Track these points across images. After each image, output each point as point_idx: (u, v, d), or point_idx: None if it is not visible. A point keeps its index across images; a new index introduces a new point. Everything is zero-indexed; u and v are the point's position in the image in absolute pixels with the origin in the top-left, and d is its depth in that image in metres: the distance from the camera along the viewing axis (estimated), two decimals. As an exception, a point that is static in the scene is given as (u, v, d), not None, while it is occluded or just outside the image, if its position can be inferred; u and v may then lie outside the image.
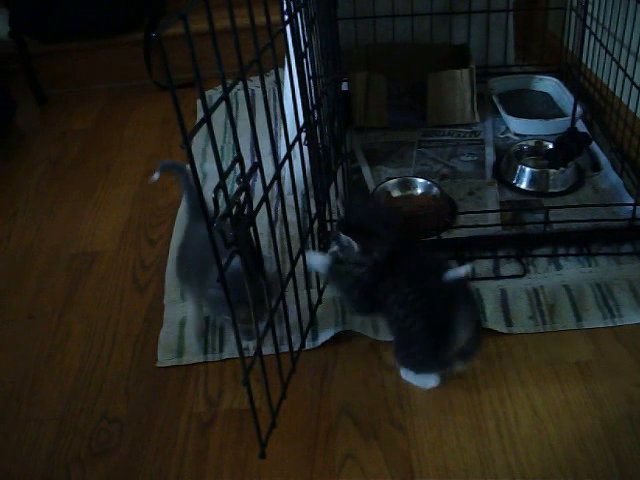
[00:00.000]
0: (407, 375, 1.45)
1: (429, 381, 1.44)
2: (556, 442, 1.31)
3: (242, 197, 1.05)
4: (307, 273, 1.49)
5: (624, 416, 1.35)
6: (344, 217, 1.43)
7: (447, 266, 1.35)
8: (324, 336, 1.55)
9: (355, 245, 1.32)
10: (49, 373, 1.57)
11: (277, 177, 1.23)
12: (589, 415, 1.36)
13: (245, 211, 1.06)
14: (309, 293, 1.51)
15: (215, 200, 0.99)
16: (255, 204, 1.12)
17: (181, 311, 1.67)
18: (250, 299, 1.14)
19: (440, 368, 1.41)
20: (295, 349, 1.42)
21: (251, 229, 1.13)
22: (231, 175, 0.98)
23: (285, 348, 1.40)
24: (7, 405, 1.51)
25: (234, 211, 1.01)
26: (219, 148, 2.22)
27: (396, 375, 1.47)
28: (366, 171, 2.01)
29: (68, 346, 1.64)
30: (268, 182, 1.18)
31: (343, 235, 1.33)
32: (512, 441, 1.32)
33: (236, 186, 1.06)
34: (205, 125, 0.93)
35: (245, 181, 1.05)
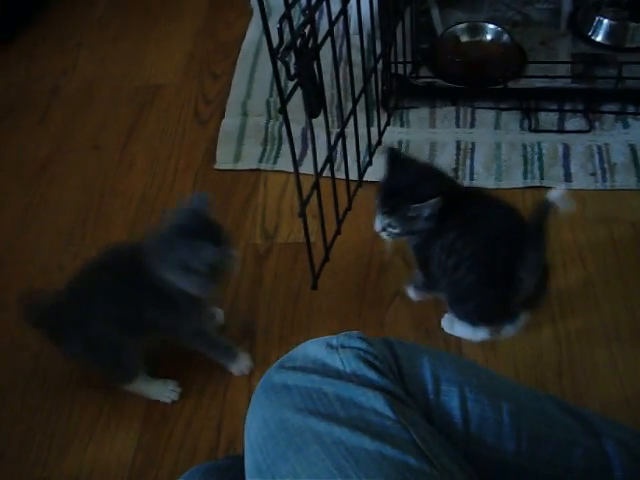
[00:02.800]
0: (452, 328, 1.31)
1: (480, 334, 1.28)
2: (602, 298, 1.34)
3: (307, 30, 1.04)
4: (368, 111, 1.47)
5: (673, 278, 1.36)
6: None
7: (511, 210, 1.17)
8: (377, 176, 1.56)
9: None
10: (113, 201, 1.64)
11: (344, 12, 1.20)
12: (638, 275, 1.36)
13: (309, 45, 1.05)
14: (369, 132, 1.51)
15: (280, 30, 0.98)
16: (320, 40, 1.10)
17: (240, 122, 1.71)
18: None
19: (502, 321, 1.26)
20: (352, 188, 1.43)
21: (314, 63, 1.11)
22: (296, 10, 0.96)
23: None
24: (74, 230, 1.58)
25: (298, 43, 1.00)
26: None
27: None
28: (435, 14, 1.93)
29: (131, 176, 1.69)
30: (334, 18, 1.16)
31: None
32: (559, 293, 1.34)
33: (302, 19, 1.04)
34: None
35: (311, 13, 1.03)
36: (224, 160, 1.67)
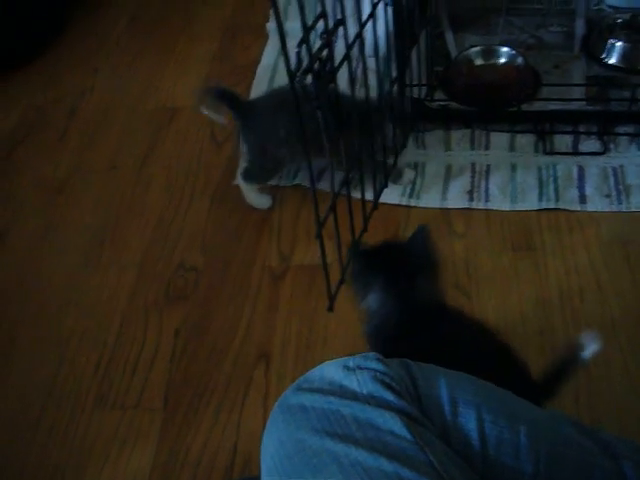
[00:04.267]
0: None
1: None
2: (619, 321, 1.33)
3: (325, 54, 1.05)
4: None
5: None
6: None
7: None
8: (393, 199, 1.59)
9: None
10: (130, 222, 1.65)
11: (359, 35, 1.22)
12: (654, 296, 1.36)
13: (327, 68, 1.06)
14: (385, 154, 1.53)
15: (298, 54, 0.99)
16: (337, 63, 1.12)
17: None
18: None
19: None
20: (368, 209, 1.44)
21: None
22: (313, 34, 0.98)
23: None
24: (90, 250, 1.60)
25: (316, 67, 1.02)
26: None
27: (465, 243, 1.49)
28: (449, 37, 1.95)
29: (148, 197, 1.71)
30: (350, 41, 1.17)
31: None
32: (574, 315, 1.34)
33: (319, 43, 1.06)
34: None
35: (328, 37, 1.05)
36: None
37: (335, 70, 1.11)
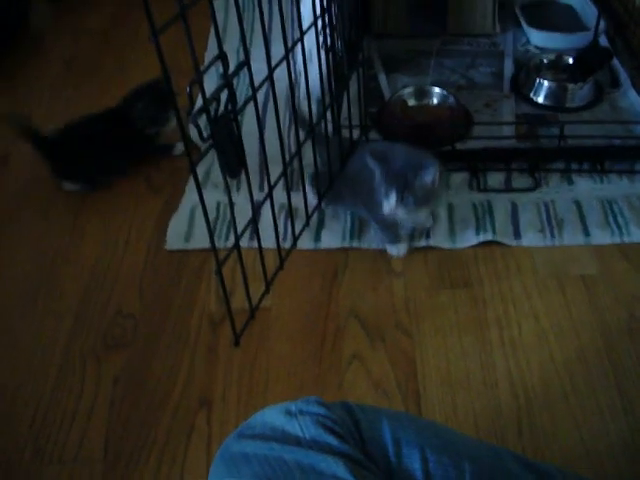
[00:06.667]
0: None
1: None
2: (556, 351, 1.35)
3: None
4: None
5: (624, 330, 1.38)
6: None
7: None
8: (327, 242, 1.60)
9: None
10: (65, 270, 1.61)
11: (270, 78, 1.25)
12: (590, 327, 1.39)
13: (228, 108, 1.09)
14: (305, 193, 1.57)
15: (190, 95, 1.01)
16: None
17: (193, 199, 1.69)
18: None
19: None
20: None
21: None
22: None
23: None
24: (25, 299, 1.55)
25: (213, 108, 1.04)
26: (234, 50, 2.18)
27: (404, 281, 1.50)
28: (382, 79, 1.99)
29: (83, 244, 1.67)
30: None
31: None
32: (514, 349, 1.36)
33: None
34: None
35: (227, 78, 1.07)
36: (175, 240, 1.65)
37: (236, 111, 1.13)
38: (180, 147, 1.85)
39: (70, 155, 1.75)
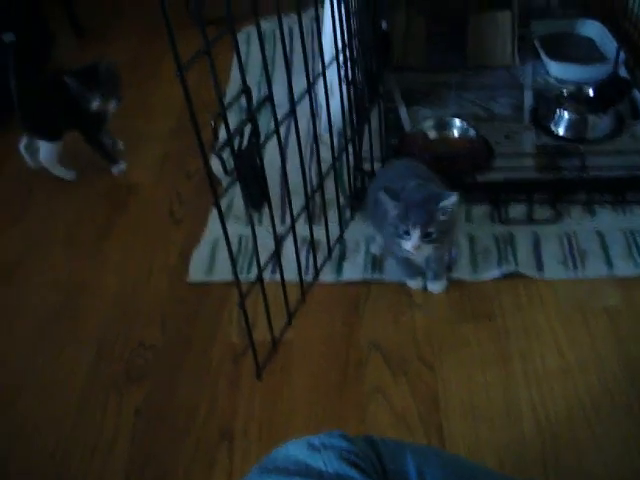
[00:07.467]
0: None
1: None
2: (580, 384, 1.34)
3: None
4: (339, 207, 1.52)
5: (649, 362, 1.37)
6: None
7: None
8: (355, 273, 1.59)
9: None
10: (87, 299, 1.62)
11: (293, 112, 1.26)
12: (614, 358, 1.37)
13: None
14: (327, 228, 1.58)
15: (214, 129, 1.02)
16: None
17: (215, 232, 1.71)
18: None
19: None
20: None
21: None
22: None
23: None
24: (48, 328, 1.56)
25: (237, 142, 1.06)
26: (256, 83, 2.20)
27: (426, 313, 1.50)
28: (402, 111, 2.00)
29: (105, 274, 1.68)
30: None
31: None
32: (537, 381, 1.34)
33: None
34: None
35: (251, 112, 1.08)
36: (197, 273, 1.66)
37: (259, 145, 1.15)
38: (121, 167, 2.01)
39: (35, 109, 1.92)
